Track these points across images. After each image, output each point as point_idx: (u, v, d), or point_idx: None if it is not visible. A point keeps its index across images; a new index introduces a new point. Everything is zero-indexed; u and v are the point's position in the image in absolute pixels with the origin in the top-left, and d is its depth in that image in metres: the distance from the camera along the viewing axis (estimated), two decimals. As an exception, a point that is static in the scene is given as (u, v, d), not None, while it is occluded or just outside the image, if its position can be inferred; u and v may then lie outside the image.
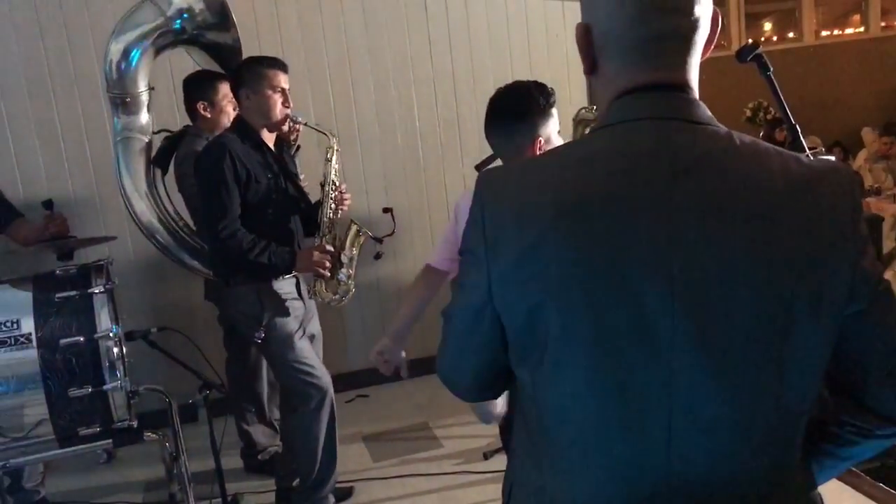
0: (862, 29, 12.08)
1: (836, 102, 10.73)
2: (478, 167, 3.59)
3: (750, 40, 2.02)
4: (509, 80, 4.57)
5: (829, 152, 8.86)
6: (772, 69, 2.01)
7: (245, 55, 3.43)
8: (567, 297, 1.00)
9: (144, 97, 3.69)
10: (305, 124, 3.31)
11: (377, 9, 4.49)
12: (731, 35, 11.61)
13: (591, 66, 1.11)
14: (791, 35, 12.04)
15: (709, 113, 1.06)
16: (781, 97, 2.03)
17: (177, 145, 3.70)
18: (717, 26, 1.08)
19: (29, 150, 4.15)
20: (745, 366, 1.00)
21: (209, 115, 3.56)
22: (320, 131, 3.32)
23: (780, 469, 1.07)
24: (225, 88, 3.49)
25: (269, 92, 3.01)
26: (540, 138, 2.19)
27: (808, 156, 1.10)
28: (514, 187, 1.07)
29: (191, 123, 3.68)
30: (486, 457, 3.72)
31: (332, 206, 3.25)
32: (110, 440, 2.96)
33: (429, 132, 4.66)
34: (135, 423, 3.00)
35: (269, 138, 3.14)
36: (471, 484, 3.53)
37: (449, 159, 4.68)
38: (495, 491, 3.43)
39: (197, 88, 3.61)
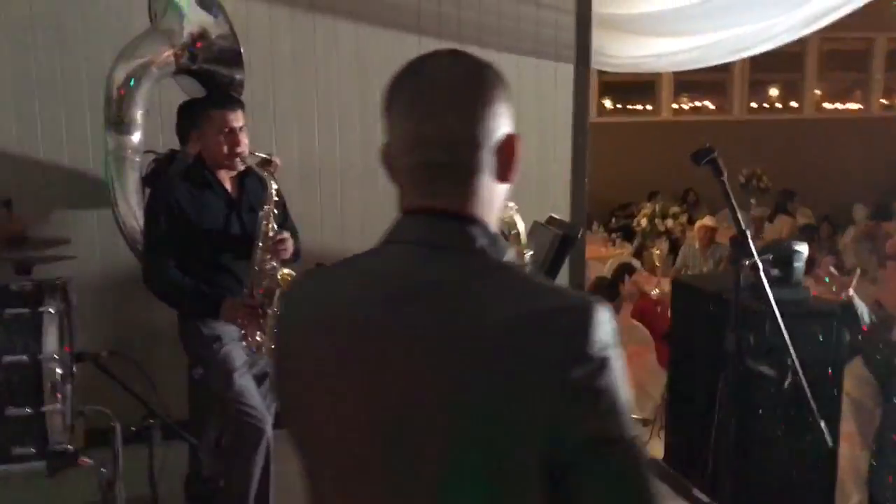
0: (862, 106, 12.21)
1: (831, 175, 10.80)
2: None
3: (707, 144, 2.02)
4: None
5: (817, 226, 8.91)
6: (725, 173, 2.02)
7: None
8: (296, 410, 1.12)
9: (139, 119, 3.77)
10: (253, 158, 3.29)
11: (370, 47, 4.51)
12: (734, 101, 11.74)
13: (397, 184, 1.13)
14: (794, 104, 12.16)
15: (472, 238, 1.04)
16: (733, 201, 2.05)
17: (165, 168, 3.73)
18: (512, 151, 1.07)
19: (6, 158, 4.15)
20: (436, 497, 0.98)
21: (196, 142, 3.59)
22: (263, 157, 3.31)
23: None
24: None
25: (215, 134, 3.06)
26: None
27: (554, 291, 1.01)
28: (292, 296, 1.19)
29: (179, 147, 3.73)
30: None
31: (263, 255, 3.19)
32: (44, 461, 2.94)
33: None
34: (70, 447, 2.98)
35: (227, 175, 3.17)
36: None
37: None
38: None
39: (188, 114, 3.64)
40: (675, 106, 11.96)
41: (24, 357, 2.83)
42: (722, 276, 6.00)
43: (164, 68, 3.62)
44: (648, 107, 11.90)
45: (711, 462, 3.66)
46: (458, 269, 1.03)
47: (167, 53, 3.61)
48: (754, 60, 11.34)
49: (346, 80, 4.51)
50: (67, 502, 3.73)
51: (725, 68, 11.36)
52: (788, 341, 1.98)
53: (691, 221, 9.29)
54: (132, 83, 3.60)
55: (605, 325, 0.95)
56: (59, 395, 2.88)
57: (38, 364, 2.86)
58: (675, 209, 8.54)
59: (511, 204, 2.53)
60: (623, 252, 8.45)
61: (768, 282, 4.11)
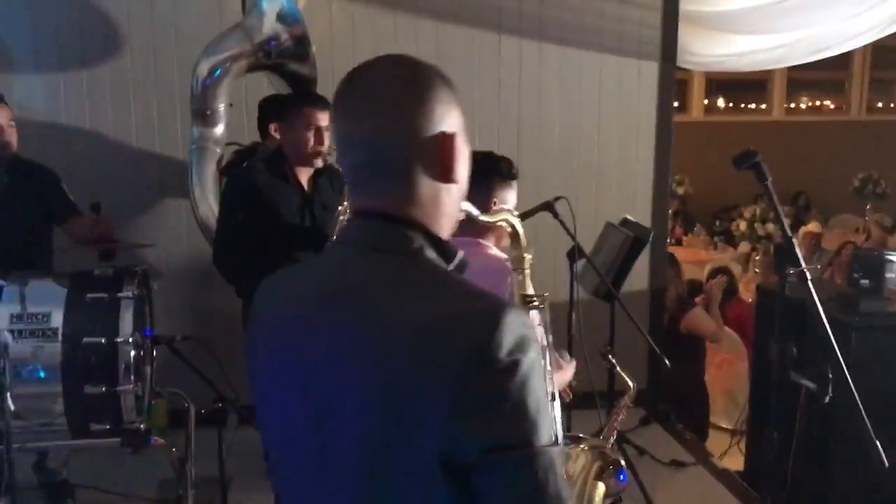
0: None
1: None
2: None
3: (751, 148, 1.94)
4: (576, 133, 4.66)
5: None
6: (769, 178, 1.93)
7: (320, 81, 3.62)
8: (257, 402, 1.17)
9: (222, 112, 3.95)
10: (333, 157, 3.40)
11: (450, 45, 4.53)
12: (853, 100, 11.10)
13: None
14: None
15: (405, 239, 1.06)
16: (776, 202, 1.95)
17: (246, 159, 3.90)
18: (448, 150, 1.07)
19: (103, 151, 4.41)
20: (353, 491, 1.02)
21: (279, 137, 3.72)
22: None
23: None
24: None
25: (303, 130, 3.13)
26: (495, 199, 2.31)
27: (469, 296, 1.01)
28: (258, 298, 1.20)
29: (260, 140, 3.88)
30: None
31: None
32: (119, 439, 3.12)
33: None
34: (143, 426, 3.15)
35: (304, 171, 3.25)
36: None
37: (505, 204, 4.69)
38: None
39: (272, 110, 3.78)
40: (790, 105, 11.44)
41: (102, 339, 3.00)
42: (818, 283, 5.72)
43: (243, 63, 3.77)
44: (762, 105, 11.44)
45: (789, 479, 3.51)
46: (385, 271, 1.05)
47: (248, 49, 3.75)
48: (876, 56, 10.73)
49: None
50: (145, 476, 3.95)
51: (845, 66, 10.78)
52: (838, 351, 1.87)
53: (797, 226, 8.88)
54: (217, 74, 3.78)
55: (513, 330, 0.94)
56: (131, 377, 3.02)
57: (115, 346, 3.01)
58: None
59: (507, 206, 2.55)
60: (724, 257, 8.16)
61: (859, 291, 3.93)
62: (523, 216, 3.58)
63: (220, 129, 3.96)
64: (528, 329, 0.97)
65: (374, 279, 1.04)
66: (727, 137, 9.79)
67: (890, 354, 3.58)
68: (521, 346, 0.94)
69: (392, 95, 1.07)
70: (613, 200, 4.56)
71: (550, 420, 0.99)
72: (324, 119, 3.18)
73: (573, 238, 3.42)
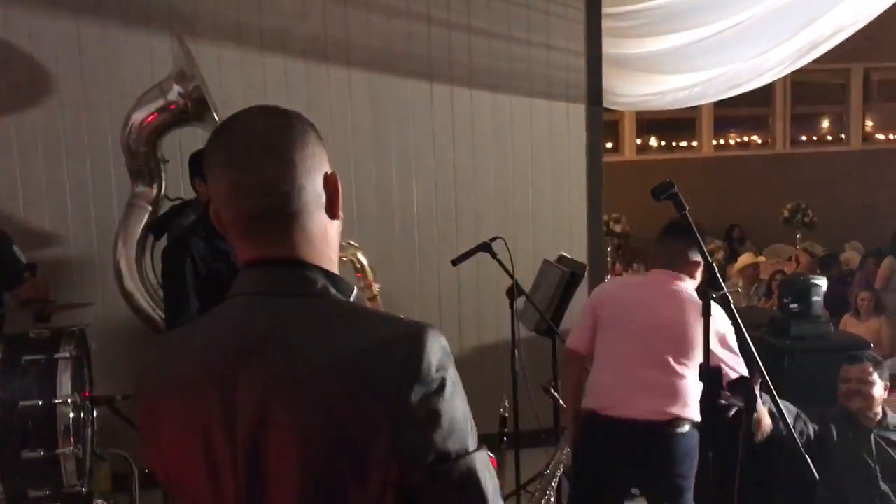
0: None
1: (879, 208, 10.50)
2: (454, 262, 3.67)
3: (668, 179, 2.04)
4: (511, 176, 4.78)
5: (865, 259, 8.65)
6: (687, 207, 2.02)
7: None
8: (164, 462, 1.14)
9: (157, 169, 3.92)
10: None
11: (384, 95, 4.63)
12: (777, 134, 11.56)
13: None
14: (842, 136, 11.92)
15: (311, 280, 1.09)
16: (697, 234, 2.05)
17: (174, 217, 3.87)
18: (336, 188, 1.13)
19: (34, 207, 4.34)
20: None
21: (205, 191, 3.72)
22: None
23: None
24: None
25: None
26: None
27: (387, 323, 1.07)
28: (147, 362, 1.17)
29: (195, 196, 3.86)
30: None
31: None
32: (58, 504, 3.04)
33: (426, 221, 4.75)
34: (84, 490, 3.08)
35: None
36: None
37: (443, 249, 4.73)
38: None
39: (195, 165, 3.78)
40: (719, 141, 11.85)
41: (39, 402, 2.94)
42: (755, 311, 5.90)
43: (166, 118, 3.75)
44: (693, 143, 11.82)
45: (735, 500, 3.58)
46: (298, 314, 1.08)
47: (162, 105, 3.73)
48: (796, 93, 11.23)
49: (361, 129, 4.63)
50: (88, 544, 3.83)
51: (768, 103, 11.25)
52: (764, 372, 1.95)
53: (733, 258, 9.13)
54: (146, 130, 3.76)
55: (436, 348, 1.02)
56: (72, 439, 2.97)
57: (53, 408, 2.97)
58: (713, 245, 8.40)
59: (352, 242, 2.75)
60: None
61: (789, 315, 4.07)
62: (462, 257, 3.68)
63: (155, 186, 3.90)
64: (446, 345, 1.04)
65: (289, 323, 1.06)
66: (660, 175, 10.02)
67: (821, 374, 3.70)
68: (444, 362, 1.02)
69: (273, 142, 1.10)
70: (549, 239, 4.67)
71: (473, 425, 1.05)
72: None
73: (511, 276, 3.49)
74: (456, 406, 1.02)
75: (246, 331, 1.07)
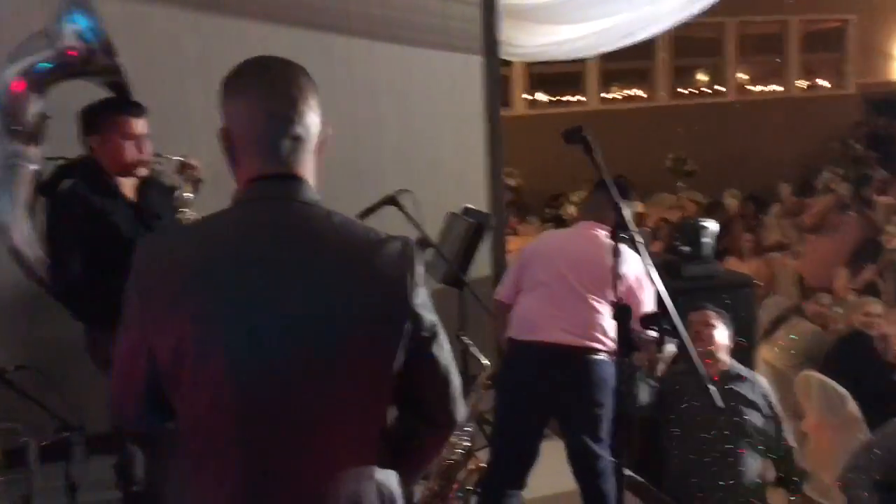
0: (783, 88, 12.52)
1: (755, 157, 11.06)
2: (360, 216, 3.63)
3: (580, 125, 2.07)
4: (411, 129, 4.74)
5: (743, 205, 9.14)
6: (594, 150, 2.07)
7: (140, 80, 3.44)
8: (202, 331, 1.33)
9: (36, 125, 3.67)
10: (168, 163, 3.29)
11: (280, 47, 4.31)
12: (659, 87, 11.95)
13: (233, 159, 1.45)
14: (720, 88, 12.43)
15: (315, 196, 1.43)
16: (605, 172, 2.10)
17: (67, 175, 3.65)
18: (325, 135, 1.47)
19: None
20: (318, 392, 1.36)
21: (96, 148, 3.52)
22: (178, 160, 3.32)
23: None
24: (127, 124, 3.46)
25: (119, 139, 3.01)
26: None
27: (376, 233, 1.44)
28: (166, 248, 1.43)
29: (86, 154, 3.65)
30: None
31: None
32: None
33: (326, 177, 4.65)
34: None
35: (128, 182, 3.14)
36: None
37: (344, 206, 4.64)
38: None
39: (88, 121, 3.57)
40: (605, 95, 12.13)
41: (-78, 375, 2.76)
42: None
43: (49, 71, 3.51)
44: (581, 98, 12.06)
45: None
46: (315, 214, 1.40)
47: (51, 55, 3.49)
48: (677, 47, 11.60)
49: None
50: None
51: (650, 56, 11.58)
52: (670, 306, 2.03)
53: (622, 207, 9.43)
54: (24, 83, 3.51)
55: (418, 250, 1.45)
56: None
57: (-63, 382, 2.78)
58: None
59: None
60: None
61: (681, 257, 4.27)
62: (368, 211, 3.64)
63: (36, 145, 3.66)
64: None
65: (313, 221, 1.39)
66: (550, 129, 10.25)
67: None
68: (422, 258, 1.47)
69: (305, 87, 1.43)
70: (451, 192, 4.65)
71: None
72: (140, 126, 3.07)
73: (419, 228, 3.49)
74: (427, 293, 1.45)
75: (277, 222, 1.38)
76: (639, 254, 2.15)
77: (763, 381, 3.66)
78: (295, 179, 1.40)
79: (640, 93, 12.45)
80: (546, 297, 3.05)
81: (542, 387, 3.02)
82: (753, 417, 3.44)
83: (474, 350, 3.42)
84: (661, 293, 2.11)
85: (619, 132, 11.21)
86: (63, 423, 3.10)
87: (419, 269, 1.42)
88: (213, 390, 1.33)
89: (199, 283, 1.34)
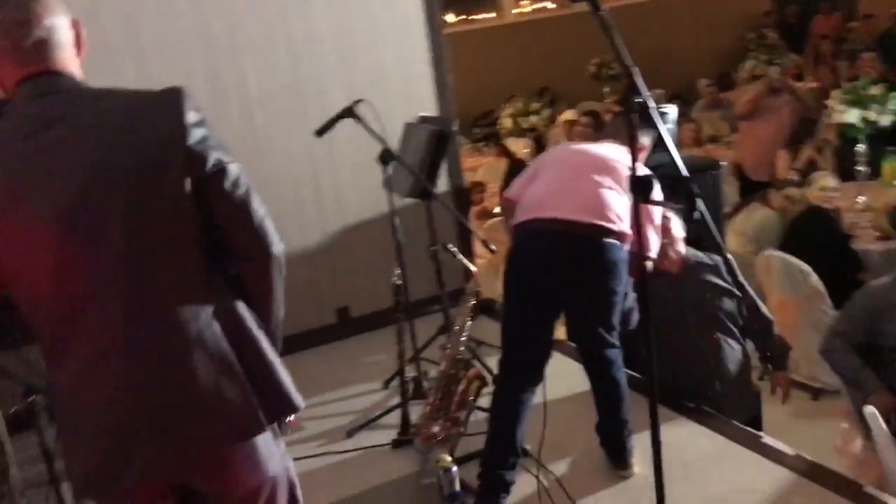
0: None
1: (672, 55, 11.10)
2: (318, 132, 3.40)
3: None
4: (350, 42, 4.49)
5: (670, 101, 9.17)
6: (601, 8, 1.93)
7: None
8: (12, 215, 1.58)
9: None
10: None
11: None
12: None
13: None
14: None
15: (77, 83, 1.64)
16: (616, 41, 1.97)
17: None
18: (80, 32, 1.69)
19: None
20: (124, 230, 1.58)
21: None
22: None
23: None
24: None
25: None
26: None
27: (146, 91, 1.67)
28: None
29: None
30: (349, 435, 3.59)
31: None
32: None
33: (267, 101, 4.38)
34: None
35: None
36: (336, 464, 3.40)
37: (290, 129, 4.40)
38: (359, 468, 3.32)
39: None
40: (519, 9, 11.95)
41: None
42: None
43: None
44: (492, 14, 11.83)
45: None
46: (83, 98, 1.62)
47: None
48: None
49: (179, 15, 4.14)
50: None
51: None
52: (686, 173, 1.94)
53: (552, 119, 9.38)
54: None
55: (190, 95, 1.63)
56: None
57: None
58: (535, 105, 8.55)
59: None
60: (491, 160, 8.43)
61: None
62: (326, 126, 3.42)
63: None
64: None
65: (77, 102, 1.61)
66: (465, 48, 10.07)
67: (673, 197, 3.83)
68: (196, 104, 1.64)
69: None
70: (400, 103, 4.46)
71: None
72: None
73: (381, 140, 3.29)
74: (212, 130, 1.62)
75: (48, 112, 1.58)
76: (651, 120, 2.02)
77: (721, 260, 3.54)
78: (55, 74, 1.61)
79: (549, 4, 12.30)
80: (554, 180, 2.87)
81: (553, 266, 2.78)
82: (725, 304, 3.37)
83: (460, 257, 3.30)
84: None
85: (537, 43, 11.09)
86: (28, 386, 2.88)
87: (190, 112, 1.58)
88: (33, 264, 1.56)
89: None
